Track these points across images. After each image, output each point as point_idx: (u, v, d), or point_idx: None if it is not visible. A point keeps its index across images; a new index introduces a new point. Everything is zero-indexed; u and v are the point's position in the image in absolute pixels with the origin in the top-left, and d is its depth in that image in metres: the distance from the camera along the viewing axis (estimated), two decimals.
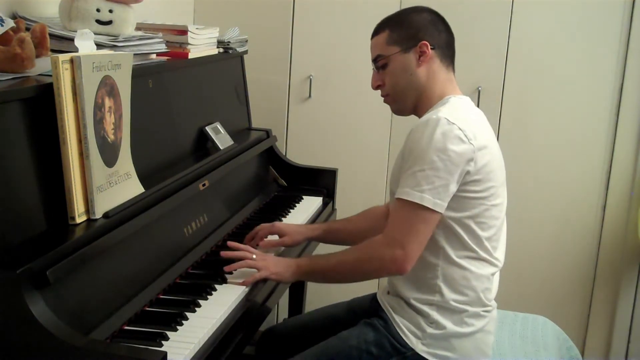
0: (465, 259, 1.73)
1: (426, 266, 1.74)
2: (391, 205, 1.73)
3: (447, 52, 1.84)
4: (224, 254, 1.86)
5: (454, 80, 1.86)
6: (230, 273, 1.83)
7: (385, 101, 1.89)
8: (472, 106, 1.84)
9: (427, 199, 1.64)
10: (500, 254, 1.82)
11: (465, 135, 1.66)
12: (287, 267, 1.83)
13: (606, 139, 2.86)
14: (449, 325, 1.73)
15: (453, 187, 1.66)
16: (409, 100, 1.84)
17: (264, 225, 2.11)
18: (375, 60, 1.85)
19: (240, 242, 1.99)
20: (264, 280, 1.84)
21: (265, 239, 2.08)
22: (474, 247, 1.73)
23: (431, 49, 1.79)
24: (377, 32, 1.86)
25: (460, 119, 1.68)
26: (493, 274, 1.79)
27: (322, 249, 2.24)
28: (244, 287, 1.80)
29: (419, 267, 1.75)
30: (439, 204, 1.65)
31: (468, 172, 1.67)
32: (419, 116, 1.83)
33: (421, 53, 1.80)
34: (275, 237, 2.09)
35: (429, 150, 1.65)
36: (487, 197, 1.72)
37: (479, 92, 2.88)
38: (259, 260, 1.84)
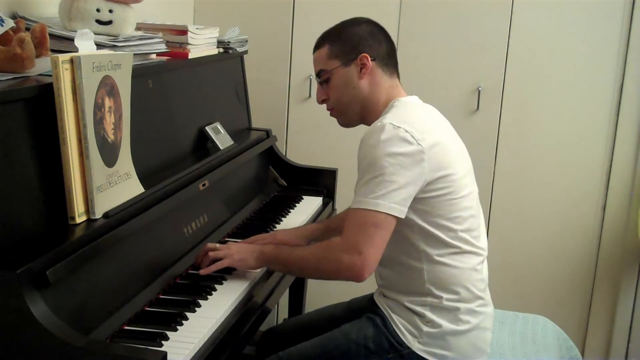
0: (449, 257, 1.73)
1: (412, 272, 1.74)
2: (348, 213, 1.72)
3: (389, 61, 1.86)
4: (195, 260, 1.88)
5: (399, 85, 1.87)
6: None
7: (331, 115, 1.91)
8: (420, 104, 1.84)
9: (381, 205, 1.63)
10: (482, 242, 1.82)
11: (413, 137, 1.65)
12: (250, 252, 1.84)
13: (606, 139, 2.86)
14: (445, 323, 1.73)
15: (410, 190, 1.66)
16: (354, 112, 1.86)
17: (264, 235, 2.10)
18: (318, 75, 1.88)
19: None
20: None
21: None
22: (455, 242, 1.73)
23: (371, 60, 1.81)
24: (317, 46, 1.89)
25: (405, 122, 1.68)
26: (480, 264, 1.79)
27: None
28: (245, 286, 1.80)
29: (405, 274, 1.75)
30: (395, 208, 1.64)
31: (424, 173, 1.66)
32: (369, 125, 1.82)
33: (362, 65, 1.81)
34: None
35: (377, 156, 1.65)
36: (452, 191, 1.71)
37: (479, 92, 2.88)
38: (223, 249, 1.84)
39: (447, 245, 1.73)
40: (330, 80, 1.85)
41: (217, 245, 1.88)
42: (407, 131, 1.66)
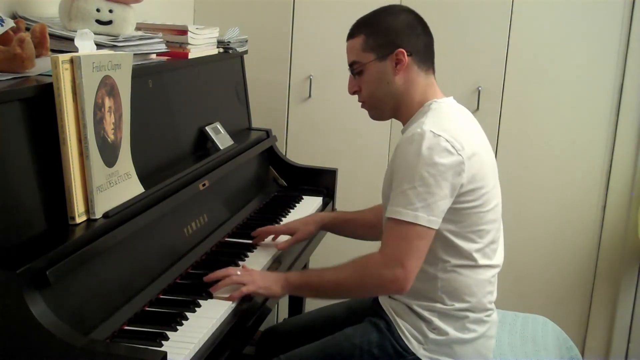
0: (465, 268, 1.71)
1: (426, 277, 1.72)
2: (384, 225, 1.69)
3: (426, 56, 1.78)
4: (208, 278, 1.75)
5: (435, 83, 1.80)
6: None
7: (362, 107, 1.85)
8: (457, 108, 1.79)
9: (421, 217, 1.61)
10: (499, 256, 1.80)
11: (453, 147, 1.61)
12: (275, 281, 1.76)
13: (606, 139, 2.86)
14: (451, 331, 1.72)
15: (447, 202, 1.63)
16: (386, 107, 1.80)
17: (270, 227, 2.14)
18: (351, 65, 1.80)
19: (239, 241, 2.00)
20: (250, 298, 1.75)
21: (278, 241, 2.11)
22: (474, 255, 1.71)
23: (408, 55, 1.73)
24: (352, 35, 1.80)
25: (446, 130, 1.63)
26: (494, 276, 1.78)
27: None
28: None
29: (419, 278, 1.72)
30: (434, 221, 1.62)
31: (461, 185, 1.64)
32: (401, 121, 1.80)
33: (397, 61, 1.73)
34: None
35: (417, 166, 1.61)
36: (482, 204, 1.68)
37: (479, 92, 2.88)
38: (244, 275, 1.75)
39: (465, 257, 1.70)
40: (364, 73, 1.77)
41: (239, 270, 1.78)
42: (447, 140, 1.61)
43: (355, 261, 1.73)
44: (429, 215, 1.61)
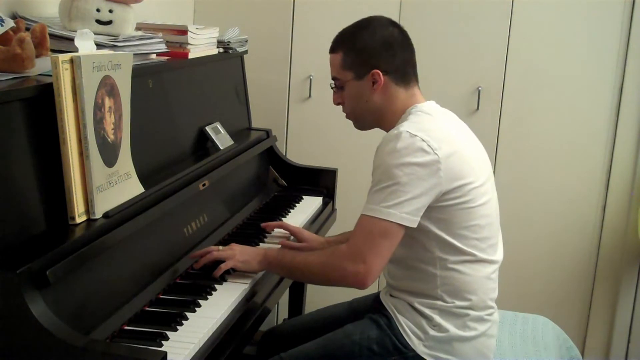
0: (463, 264, 1.72)
1: (424, 276, 1.73)
2: (358, 221, 1.71)
3: (405, 72, 1.80)
4: (192, 255, 1.88)
5: (417, 93, 1.83)
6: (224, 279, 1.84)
7: (347, 117, 1.90)
8: (437, 110, 1.81)
9: (393, 214, 1.63)
10: (498, 250, 1.81)
11: (429, 146, 1.63)
12: (254, 256, 1.84)
13: (606, 139, 2.86)
14: (452, 328, 1.72)
15: (424, 200, 1.64)
16: (368, 121, 1.86)
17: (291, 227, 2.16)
18: (333, 79, 1.86)
19: (241, 240, 2.00)
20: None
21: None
22: (470, 250, 1.72)
23: (384, 75, 1.77)
24: (332, 50, 1.85)
25: (422, 130, 1.66)
26: (494, 273, 1.78)
27: None
28: (245, 286, 1.80)
29: (418, 277, 1.74)
30: (406, 218, 1.64)
31: (441, 183, 1.65)
32: (385, 130, 1.82)
33: (374, 81, 1.78)
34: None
35: (392, 165, 1.64)
36: (469, 199, 1.69)
37: (479, 92, 2.88)
38: (225, 250, 1.85)
39: (462, 252, 1.71)
40: (344, 89, 1.83)
41: (220, 247, 1.89)
42: (423, 140, 1.64)
43: (326, 250, 1.81)
44: (401, 212, 1.63)
